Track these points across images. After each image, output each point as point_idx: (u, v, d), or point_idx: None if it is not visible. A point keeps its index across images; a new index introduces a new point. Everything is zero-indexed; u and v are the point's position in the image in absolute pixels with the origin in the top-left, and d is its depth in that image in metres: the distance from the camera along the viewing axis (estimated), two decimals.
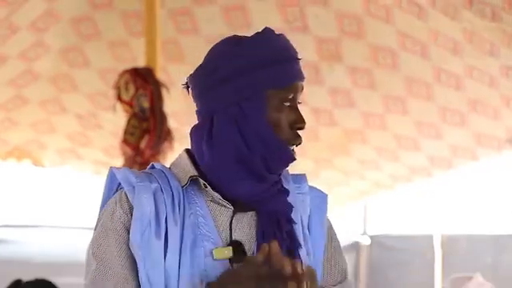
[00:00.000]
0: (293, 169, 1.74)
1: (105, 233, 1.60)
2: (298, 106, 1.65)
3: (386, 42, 4.26)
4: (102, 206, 1.66)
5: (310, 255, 1.68)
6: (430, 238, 6.87)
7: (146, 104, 3.89)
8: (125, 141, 3.94)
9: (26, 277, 3.59)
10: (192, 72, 1.68)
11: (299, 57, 1.65)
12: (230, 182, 1.61)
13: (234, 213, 1.62)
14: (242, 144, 1.60)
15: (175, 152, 3.79)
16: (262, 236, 1.60)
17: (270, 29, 1.66)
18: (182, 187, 1.63)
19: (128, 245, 1.58)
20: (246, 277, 1.48)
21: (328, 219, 1.76)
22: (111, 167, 1.67)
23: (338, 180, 5.41)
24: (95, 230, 1.63)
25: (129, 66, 4.08)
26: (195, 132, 1.65)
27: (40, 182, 6.88)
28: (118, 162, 4.01)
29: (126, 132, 3.95)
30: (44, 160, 5.37)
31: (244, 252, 1.60)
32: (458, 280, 4.73)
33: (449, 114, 4.60)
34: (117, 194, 1.63)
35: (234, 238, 1.60)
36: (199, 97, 1.65)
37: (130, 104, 3.94)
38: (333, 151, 5.19)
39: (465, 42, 3.96)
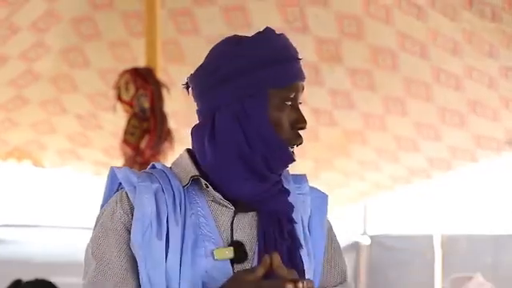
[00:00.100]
0: (293, 169, 1.74)
1: (105, 233, 1.60)
2: (299, 106, 1.65)
3: (385, 43, 4.26)
4: (103, 206, 1.66)
5: (311, 256, 1.68)
6: (430, 238, 6.87)
7: (146, 104, 3.89)
8: (125, 141, 3.94)
9: (26, 277, 3.59)
10: (192, 72, 1.68)
11: (300, 57, 1.65)
12: (231, 181, 1.61)
13: (235, 213, 1.62)
14: (243, 143, 1.60)
15: (175, 152, 3.80)
16: (263, 236, 1.60)
17: (270, 28, 1.66)
18: (183, 187, 1.62)
19: (128, 245, 1.58)
20: None
21: (328, 220, 1.76)
22: (112, 167, 1.67)
23: (338, 181, 5.41)
24: (94, 229, 1.63)
25: (129, 66, 4.08)
26: (196, 131, 1.65)
27: (40, 182, 6.88)
28: (119, 162, 4.01)
29: (126, 132, 3.95)
30: (44, 161, 5.37)
31: (245, 252, 1.59)
32: (457, 280, 4.74)
33: (448, 115, 4.60)
34: (117, 194, 1.63)
35: (235, 238, 1.60)
36: (200, 96, 1.65)
37: (130, 104, 3.94)
38: (333, 152, 5.19)
39: (464, 43, 3.97)
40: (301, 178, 1.74)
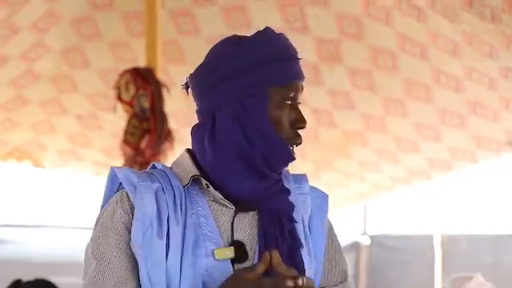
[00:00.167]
0: (293, 170, 1.74)
1: (105, 232, 1.60)
2: (299, 106, 1.65)
3: (385, 44, 4.26)
4: (103, 206, 1.65)
5: (311, 255, 1.68)
6: (430, 238, 6.88)
7: (146, 104, 3.89)
8: (125, 141, 3.94)
9: (26, 277, 3.59)
10: (192, 72, 1.68)
11: (299, 57, 1.66)
12: (232, 179, 1.61)
13: (236, 213, 1.62)
14: (244, 142, 1.60)
15: (175, 152, 3.80)
16: (264, 235, 1.60)
17: (270, 28, 1.66)
18: (184, 187, 1.63)
19: (129, 245, 1.57)
20: None
21: (329, 220, 1.76)
22: (112, 167, 1.66)
23: (338, 182, 5.42)
24: (94, 229, 1.63)
25: (129, 66, 4.07)
26: (196, 131, 1.65)
27: (40, 182, 6.88)
28: (118, 163, 4.00)
29: (126, 132, 3.95)
30: (44, 161, 5.37)
31: (246, 252, 1.60)
32: (457, 280, 4.74)
33: (448, 116, 4.61)
34: (118, 194, 1.63)
35: (235, 238, 1.60)
36: (200, 96, 1.66)
37: (130, 104, 3.94)
38: (333, 153, 5.19)
39: (464, 44, 3.97)
40: (301, 178, 1.75)
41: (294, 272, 1.51)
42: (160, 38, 4.09)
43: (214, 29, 4.28)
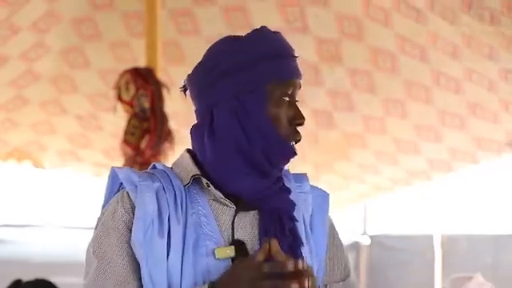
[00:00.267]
0: (293, 172, 1.75)
1: (106, 232, 1.60)
2: (299, 106, 1.66)
3: (385, 45, 4.26)
4: (104, 206, 1.66)
5: (313, 253, 1.68)
6: (430, 238, 6.88)
7: (146, 104, 3.89)
8: (125, 141, 3.94)
9: (26, 277, 3.59)
10: (190, 72, 1.69)
11: (296, 55, 1.66)
12: (232, 176, 1.61)
13: (237, 212, 1.63)
14: (242, 137, 1.61)
15: (175, 153, 3.80)
16: (265, 234, 1.60)
17: (266, 27, 1.68)
18: (185, 186, 1.63)
19: (129, 244, 1.58)
20: (248, 276, 1.49)
21: (330, 218, 1.76)
22: (113, 167, 1.67)
23: (338, 184, 5.42)
24: (95, 229, 1.63)
25: (129, 66, 4.08)
26: (195, 130, 1.66)
27: (40, 183, 6.88)
28: (119, 163, 4.00)
29: (126, 132, 3.95)
30: (44, 161, 5.37)
31: (246, 251, 1.60)
32: (457, 280, 4.74)
33: (448, 118, 4.61)
34: (118, 194, 1.63)
35: (236, 237, 1.61)
36: (198, 95, 1.66)
37: (130, 104, 3.94)
38: (333, 156, 5.20)
39: (463, 46, 3.97)
40: (302, 177, 1.75)
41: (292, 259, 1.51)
42: (160, 38, 4.09)
43: (214, 29, 4.28)
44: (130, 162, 3.87)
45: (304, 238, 1.66)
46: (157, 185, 1.62)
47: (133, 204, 1.60)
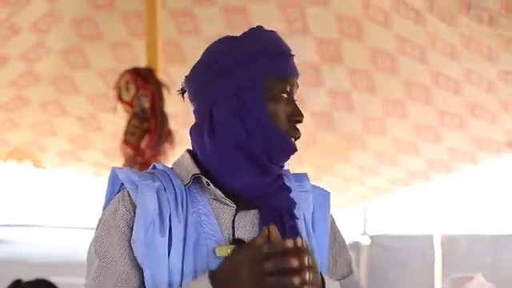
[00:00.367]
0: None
1: (107, 231, 1.61)
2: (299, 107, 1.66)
3: (384, 46, 4.27)
4: (105, 207, 1.66)
5: (314, 252, 1.69)
6: (430, 238, 6.88)
7: (146, 104, 3.89)
8: (125, 141, 3.94)
9: (26, 277, 3.59)
10: (188, 73, 1.70)
11: (293, 53, 1.67)
12: (233, 173, 1.62)
13: (237, 211, 1.63)
14: (242, 133, 1.61)
15: (176, 153, 3.80)
16: None
17: (262, 26, 1.69)
18: (185, 186, 1.64)
19: (130, 242, 1.59)
20: (248, 259, 1.48)
21: (331, 215, 1.77)
22: (113, 167, 1.68)
23: (338, 185, 5.43)
24: (97, 228, 1.63)
25: (130, 66, 4.08)
26: (195, 130, 1.67)
27: (40, 183, 6.88)
28: (119, 164, 4.00)
29: (126, 132, 3.95)
30: (44, 162, 5.37)
31: None
32: (457, 280, 4.74)
33: (447, 118, 4.61)
34: (119, 193, 1.64)
35: (236, 236, 1.61)
36: (197, 94, 1.67)
37: (130, 104, 3.94)
38: (333, 158, 5.20)
39: (462, 47, 3.98)
40: (302, 177, 1.76)
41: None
42: (160, 38, 4.10)
43: (214, 29, 4.29)
44: (130, 162, 3.87)
45: (305, 236, 1.66)
46: (157, 184, 1.62)
47: (134, 203, 1.60)
